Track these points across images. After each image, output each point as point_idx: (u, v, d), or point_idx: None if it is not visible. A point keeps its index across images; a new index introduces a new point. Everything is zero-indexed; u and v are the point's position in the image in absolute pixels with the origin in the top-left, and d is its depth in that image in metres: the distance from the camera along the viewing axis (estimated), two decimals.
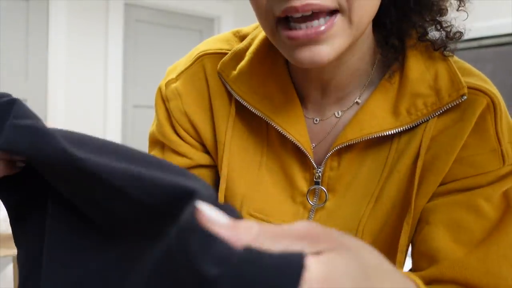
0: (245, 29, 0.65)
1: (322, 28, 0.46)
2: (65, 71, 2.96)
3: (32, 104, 2.87)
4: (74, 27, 3.00)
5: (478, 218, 0.51)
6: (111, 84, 3.15)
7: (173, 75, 0.63)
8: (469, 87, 0.52)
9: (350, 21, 0.47)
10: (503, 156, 0.52)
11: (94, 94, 3.11)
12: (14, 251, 1.58)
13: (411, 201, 0.53)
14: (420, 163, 0.53)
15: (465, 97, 0.52)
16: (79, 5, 3.01)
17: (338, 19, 0.47)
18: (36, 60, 2.90)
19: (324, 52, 0.47)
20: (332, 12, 0.47)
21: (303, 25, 0.46)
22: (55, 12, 2.92)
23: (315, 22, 0.46)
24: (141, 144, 3.46)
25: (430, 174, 0.54)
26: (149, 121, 3.87)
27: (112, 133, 3.17)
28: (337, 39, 0.47)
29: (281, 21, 0.48)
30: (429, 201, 0.54)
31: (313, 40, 0.46)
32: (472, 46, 2.69)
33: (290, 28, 0.48)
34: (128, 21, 3.27)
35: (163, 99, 0.63)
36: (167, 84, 0.63)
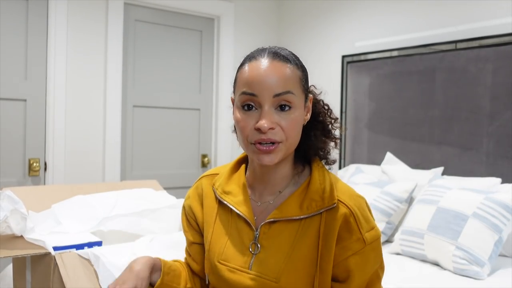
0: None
1: (273, 148, 0.96)
2: (64, 71, 2.96)
3: (32, 104, 2.88)
4: (74, 26, 3.00)
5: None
6: (111, 84, 3.15)
7: (188, 192, 1.20)
8: (338, 200, 0.99)
9: (285, 146, 0.97)
10: (364, 240, 0.98)
11: (94, 94, 3.11)
12: (14, 251, 1.58)
13: (317, 264, 0.98)
14: (320, 240, 0.98)
15: (335, 205, 0.98)
16: (79, 5, 3.02)
17: (280, 144, 0.97)
18: (36, 60, 2.90)
19: (273, 157, 0.97)
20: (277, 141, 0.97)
21: (265, 146, 0.97)
22: (55, 12, 2.92)
23: (270, 145, 0.96)
24: (140, 144, 3.47)
25: (324, 249, 0.98)
26: (148, 121, 3.85)
27: (112, 133, 3.17)
28: (279, 153, 0.97)
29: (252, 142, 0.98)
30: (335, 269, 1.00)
31: (269, 152, 0.97)
32: (472, 46, 2.68)
33: (261, 145, 0.97)
34: (127, 20, 3.27)
35: (184, 206, 1.19)
36: (186, 198, 1.20)
